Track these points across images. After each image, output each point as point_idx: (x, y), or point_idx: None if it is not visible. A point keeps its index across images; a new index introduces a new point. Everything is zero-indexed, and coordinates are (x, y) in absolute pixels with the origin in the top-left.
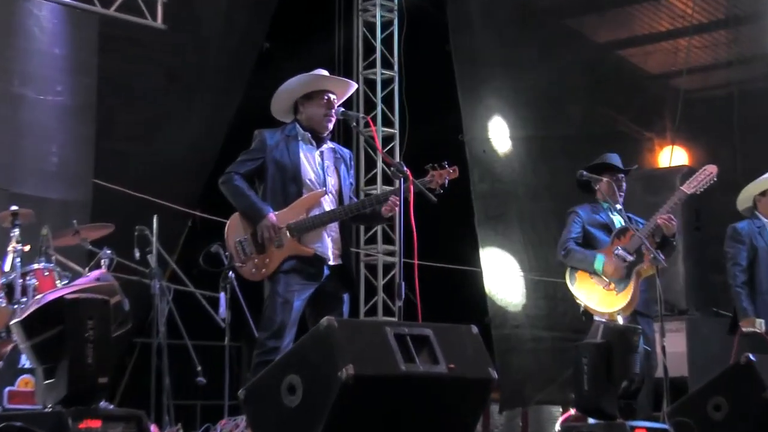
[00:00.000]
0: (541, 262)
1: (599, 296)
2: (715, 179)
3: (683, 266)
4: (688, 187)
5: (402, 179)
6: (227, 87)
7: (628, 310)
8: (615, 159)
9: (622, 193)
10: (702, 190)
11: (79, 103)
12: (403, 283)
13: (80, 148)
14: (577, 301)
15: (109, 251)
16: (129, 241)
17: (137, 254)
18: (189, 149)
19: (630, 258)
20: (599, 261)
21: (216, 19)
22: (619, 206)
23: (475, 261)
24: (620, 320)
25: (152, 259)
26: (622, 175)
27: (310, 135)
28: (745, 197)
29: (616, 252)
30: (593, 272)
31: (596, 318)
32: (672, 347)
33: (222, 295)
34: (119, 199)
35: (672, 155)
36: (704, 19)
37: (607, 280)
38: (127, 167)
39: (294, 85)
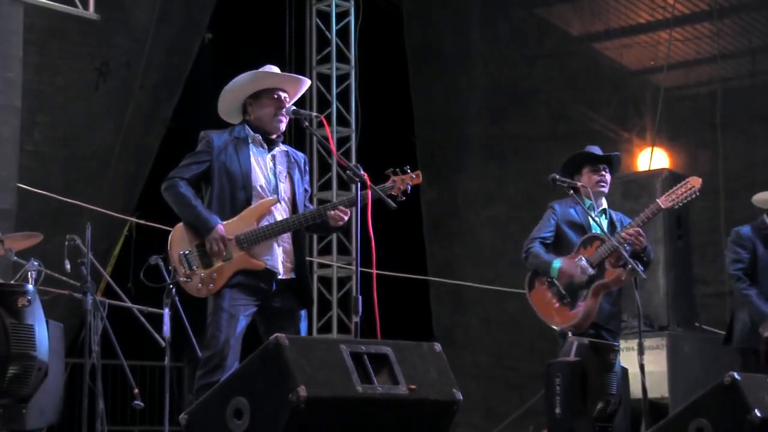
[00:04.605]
0: (484, 278)
1: (552, 310)
2: (698, 193)
3: (664, 278)
4: (666, 201)
5: (359, 184)
6: (165, 83)
7: (581, 328)
8: (594, 149)
9: (604, 185)
10: (681, 204)
11: (2, 102)
12: (360, 297)
13: (3, 150)
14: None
15: (36, 263)
16: (59, 252)
17: (68, 266)
18: (124, 151)
19: (590, 271)
20: (556, 264)
21: (151, 6)
22: (604, 205)
23: (423, 273)
24: None
25: (85, 272)
26: (604, 166)
27: (260, 137)
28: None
29: (579, 262)
30: (550, 277)
31: (570, 335)
32: (651, 366)
33: (166, 311)
34: (48, 206)
35: (652, 158)
36: (686, 10)
37: (564, 292)
38: (56, 171)
39: (240, 84)
